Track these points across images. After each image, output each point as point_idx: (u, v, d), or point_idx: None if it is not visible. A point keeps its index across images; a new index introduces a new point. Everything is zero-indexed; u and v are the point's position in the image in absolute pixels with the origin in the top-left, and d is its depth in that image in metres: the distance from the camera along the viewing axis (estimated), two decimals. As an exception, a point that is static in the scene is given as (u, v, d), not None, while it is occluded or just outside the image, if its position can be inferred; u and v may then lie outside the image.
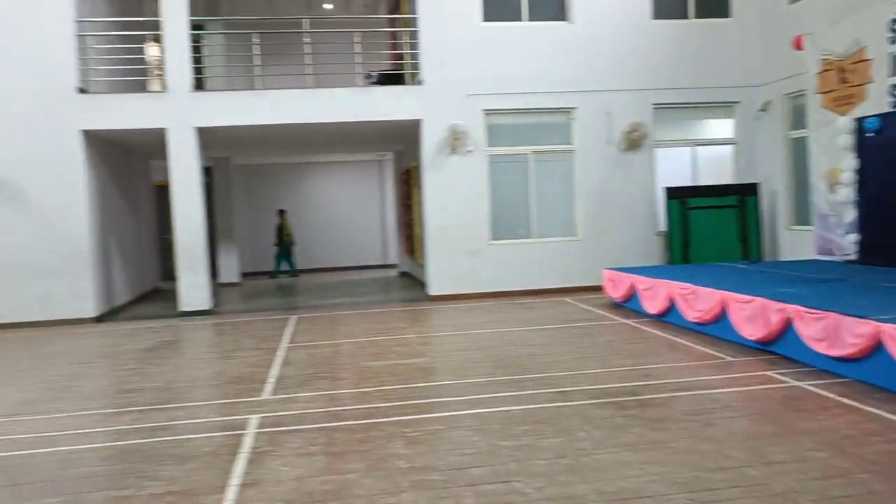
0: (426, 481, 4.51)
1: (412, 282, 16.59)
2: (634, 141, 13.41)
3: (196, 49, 13.08)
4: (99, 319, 12.35)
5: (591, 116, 13.39)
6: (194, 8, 13.15)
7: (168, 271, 16.55)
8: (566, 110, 13.46)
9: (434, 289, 13.19)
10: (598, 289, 12.68)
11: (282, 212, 19.45)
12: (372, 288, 16.18)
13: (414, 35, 13.22)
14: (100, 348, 10.06)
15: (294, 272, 19.42)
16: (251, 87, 13.28)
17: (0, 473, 5.14)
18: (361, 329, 10.58)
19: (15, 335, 11.31)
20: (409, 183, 16.83)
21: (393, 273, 19.12)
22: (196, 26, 13.49)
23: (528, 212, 13.50)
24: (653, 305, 10.09)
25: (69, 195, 12.06)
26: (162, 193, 15.43)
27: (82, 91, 12.11)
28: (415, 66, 13.36)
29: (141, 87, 13.25)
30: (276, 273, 19.24)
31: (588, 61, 13.33)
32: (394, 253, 20.02)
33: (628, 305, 11.06)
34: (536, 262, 13.32)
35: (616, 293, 11.43)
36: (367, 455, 5.04)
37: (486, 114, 13.18)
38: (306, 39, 13.02)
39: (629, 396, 6.24)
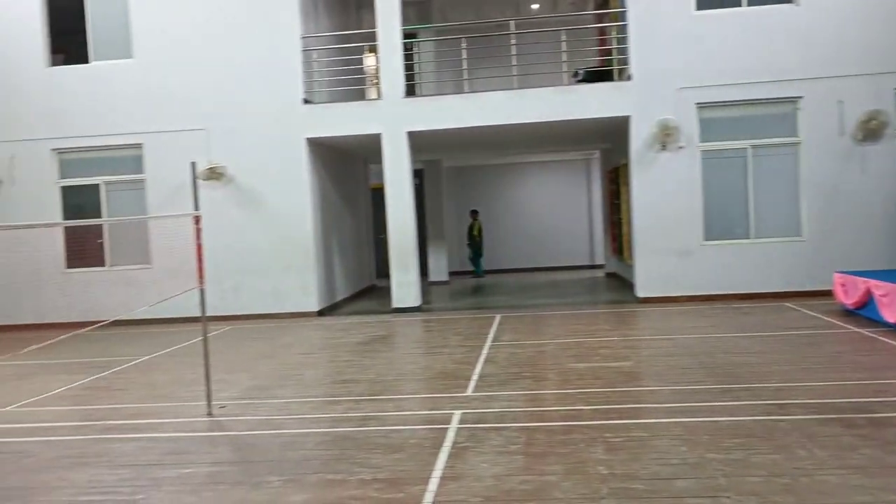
0: (627, 489, 4.36)
1: (619, 283, 16.19)
2: (873, 130, 12.11)
3: (408, 57, 13.67)
4: (321, 313, 13.30)
5: (819, 105, 12.28)
6: (407, 17, 13.76)
7: (383, 269, 17.47)
8: (791, 100, 12.45)
9: (642, 290, 12.77)
10: (825, 294, 11.61)
11: (474, 212, 19.75)
12: (578, 289, 16.00)
13: (622, 29, 12.88)
14: (321, 340, 10.82)
15: (480, 273, 19.75)
16: (459, 91, 13.65)
17: (233, 451, 5.67)
18: (565, 330, 10.48)
19: (250, 326, 12.47)
20: (616, 181, 16.44)
21: (600, 274, 18.78)
22: (409, 35, 14.10)
23: (747, 210, 12.65)
24: (893, 313, 9.05)
25: (296, 198, 13.10)
26: (378, 195, 16.29)
27: (307, 102, 13.10)
28: (623, 62, 13.02)
29: (360, 96, 14.08)
30: (480, 271, 19.63)
31: (816, 45, 12.24)
32: (601, 253, 19.65)
33: (862, 313, 10.01)
34: (754, 264, 12.45)
35: (848, 299, 10.39)
36: (566, 458, 4.97)
37: (700, 107, 12.54)
38: (513, 41, 13.15)
39: (859, 413, 5.64)
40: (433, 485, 4.61)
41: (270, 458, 5.38)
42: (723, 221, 12.68)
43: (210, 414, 6.66)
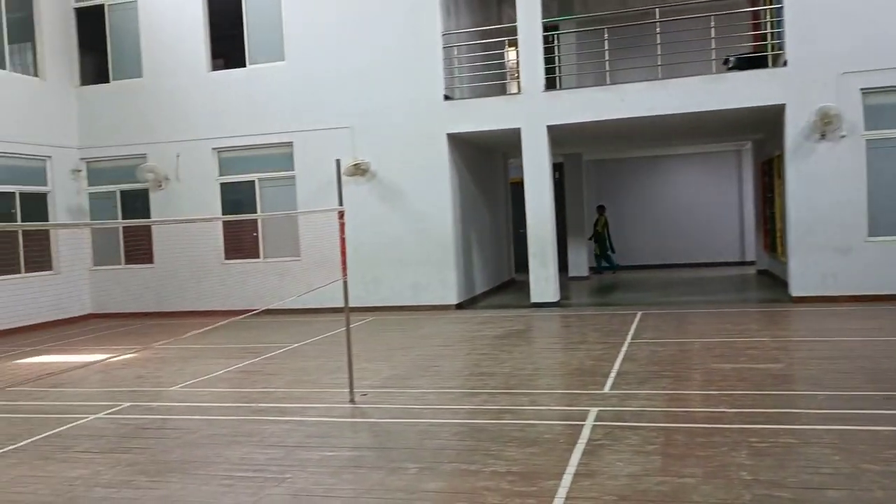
0: (772, 497, 4.13)
1: (772, 281, 15.34)
2: None
3: (549, 50, 13.56)
4: (459, 306, 13.48)
5: None
6: (548, 10, 13.64)
7: (522, 264, 17.44)
8: (971, 82, 11.32)
9: (797, 289, 12.03)
10: None
11: (601, 207, 19.26)
12: (725, 286, 15.31)
13: (777, 12, 12.17)
14: (459, 333, 10.97)
15: (601, 269, 19.26)
16: (601, 83, 13.38)
17: (373, 437, 5.88)
18: (711, 329, 10.06)
19: (391, 317, 12.83)
20: (770, 173, 15.57)
21: (750, 271, 17.88)
22: (550, 27, 13.99)
23: (917, 203, 11.62)
24: None
25: (437, 193, 13.34)
26: (517, 190, 16.30)
27: (447, 98, 13.29)
28: (778, 47, 12.30)
29: (500, 91, 14.12)
30: (613, 267, 19.22)
31: None
32: (752, 249, 18.69)
33: None
34: (927, 262, 11.43)
35: None
36: (707, 461, 4.78)
37: (865, 93, 11.63)
38: (657, 29, 12.73)
39: None
40: (567, 480, 4.57)
41: (408, 445, 5.53)
42: (891, 216, 11.72)
43: (352, 401, 6.92)
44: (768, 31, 12.55)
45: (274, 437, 5.92)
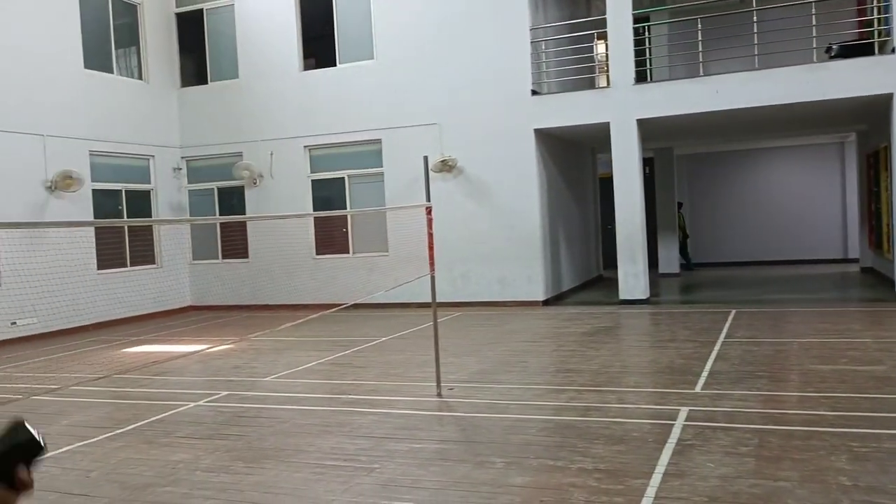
0: (872, 503, 3.97)
1: (877, 279, 14.60)
2: None
3: (639, 42, 13.30)
4: (546, 303, 13.41)
5: None
6: (639, 1, 13.37)
7: (610, 260, 17.19)
8: None
9: (903, 288, 11.43)
10: None
11: (678, 204, 18.67)
12: (826, 284, 14.68)
13: (884, -3, 11.57)
14: (545, 329, 10.92)
15: (691, 266, 18.74)
16: (693, 75, 13.03)
17: (459, 430, 5.94)
18: (809, 328, 9.68)
19: (477, 313, 12.89)
20: (876, 166, 14.81)
21: (853, 268, 17.06)
22: (640, 19, 13.72)
23: None
24: None
25: (524, 189, 13.30)
26: (606, 185, 16.07)
27: (535, 93, 13.23)
28: (885, 33, 11.68)
29: (589, 85, 13.96)
30: (691, 265, 18.73)
31: None
32: (855, 246, 17.83)
33: None
34: None
35: None
36: (803, 464, 4.62)
37: (981, 80, 10.93)
38: (754, 18, 12.30)
39: None
40: (655, 480, 4.50)
41: (494, 439, 5.56)
42: None
43: (439, 394, 7.00)
44: (875, 16, 11.93)
45: (363, 427, 6.06)
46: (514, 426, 5.90)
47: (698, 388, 6.75)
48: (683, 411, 5.99)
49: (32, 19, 12.63)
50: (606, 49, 12.98)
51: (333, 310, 7.78)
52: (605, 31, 12.89)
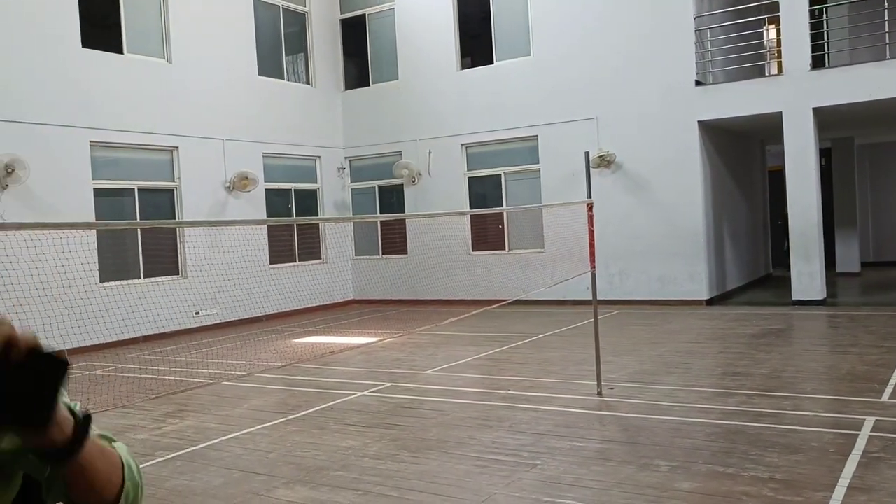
0: None
1: None
2: None
3: (815, 25, 12.44)
4: (710, 302, 12.85)
5: None
6: (814, -18, 12.50)
7: (781, 258, 16.21)
8: None
9: None
10: None
11: None
12: None
13: None
14: (710, 330, 10.46)
15: None
16: (879, 59, 12.02)
17: (621, 431, 5.82)
18: None
19: (636, 311, 12.56)
20: None
21: None
22: (816, 0, 12.82)
23: None
24: None
25: (686, 183, 12.81)
26: (776, 178, 15.17)
27: (699, 83, 12.69)
28: None
29: (757, 73, 13.23)
30: None
31: None
32: None
33: None
34: None
35: None
36: None
37: None
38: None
39: None
40: (839, 493, 4.20)
41: (658, 442, 5.40)
42: None
43: (599, 393, 6.89)
44: None
45: (523, 423, 6.08)
46: (678, 429, 5.71)
47: (885, 398, 6.23)
48: (869, 421, 5.55)
49: (213, 33, 13.63)
50: (778, 34, 12.23)
51: (494, 306, 7.85)
52: (777, 16, 12.15)
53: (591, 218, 7.10)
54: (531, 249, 14.45)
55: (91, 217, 11.36)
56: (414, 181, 15.57)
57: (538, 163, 14.31)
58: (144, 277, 12.24)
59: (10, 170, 10.09)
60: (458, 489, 4.69)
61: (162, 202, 12.79)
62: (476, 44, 15.26)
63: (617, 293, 13.36)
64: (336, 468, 5.19)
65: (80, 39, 11.47)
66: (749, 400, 6.43)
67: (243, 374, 8.24)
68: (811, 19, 12.03)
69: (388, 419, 6.50)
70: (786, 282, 12.61)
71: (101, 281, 11.42)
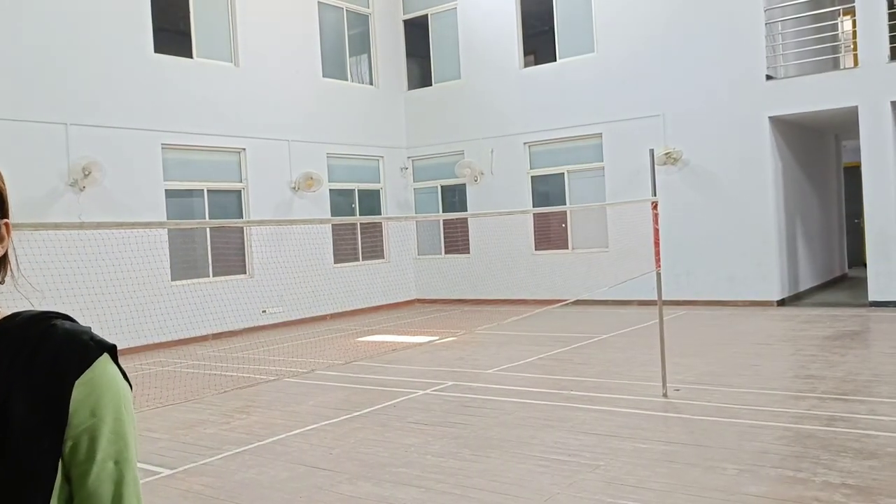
0: None
1: None
2: None
3: (893, 16, 11.94)
4: (781, 303, 12.48)
5: None
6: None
7: (856, 258, 15.66)
8: None
9: None
10: None
11: None
12: None
13: None
14: (781, 331, 10.16)
15: None
16: (962, 48, 11.48)
17: (687, 433, 5.70)
18: None
19: (703, 311, 12.29)
20: None
21: None
22: (894, -10, 12.32)
23: None
24: None
25: (756, 180, 12.47)
26: (852, 175, 14.64)
27: (769, 78, 12.33)
28: None
29: (832, 66, 12.78)
30: None
31: None
32: None
33: None
34: None
35: None
36: None
37: None
38: None
39: None
40: (919, 502, 4.04)
41: (725, 445, 5.27)
42: None
43: (664, 395, 6.77)
44: None
45: (586, 424, 6.01)
46: (747, 432, 5.56)
47: (970, 403, 5.95)
48: (952, 428, 5.31)
49: (278, 37, 13.90)
50: (854, 25, 11.80)
51: (555, 305, 7.79)
52: (853, 6, 11.72)
53: (655, 216, 6.98)
54: (595, 248, 14.28)
55: (163, 217, 11.73)
56: (476, 180, 15.57)
57: (602, 161, 14.14)
58: (213, 276, 12.57)
59: (87, 172, 10.50)
60: (519, 488, 4.67)
61: (230, 202, 13.11)
62: (539, 41, 15.18)
63: (684, 293, 13.09)
64: (398, 465, 5.23)
65: (152, 45, 11.86)
66: (822, 403, 6.23)
67: (307, 371, 8.38)
68: (889, 9, 11.56)
69: (450, 417, 6.52)
70: (862, 282, 12.16)
71: (173, 280, 11.78)
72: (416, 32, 16.62)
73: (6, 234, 1.09)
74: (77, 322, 1.08)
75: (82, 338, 1.04)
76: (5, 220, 1.09)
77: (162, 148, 11.91)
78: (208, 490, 4.93)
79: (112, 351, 1.06)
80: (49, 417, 0.99)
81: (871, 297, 11.69)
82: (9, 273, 1.12)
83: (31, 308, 1.10)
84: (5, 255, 1.10)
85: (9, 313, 1.06)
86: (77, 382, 1.01)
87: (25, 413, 0.98)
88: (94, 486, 1.02)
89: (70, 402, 1.00)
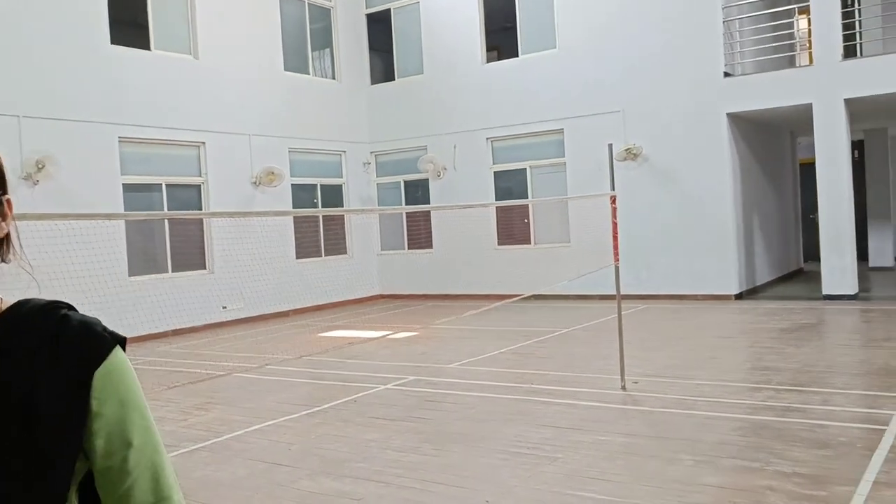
0: None
1: None
2: None
3: (847, 14, 12.21)
4: (739, 296, 12.69)
5: None
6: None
7: (812, 252, 15.99)
8: None
9: None
10: None
11: None
12: None
13: None
14: (738, 324, 10.34)
15: None
16: (912, 47, 11.77)
17: (646, 425, 5.77)
18: None
19: (663, 306, 12.45)
20: None
21: None
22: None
23: None
24: None
25: (714, 176, 12.65)
26: (808, 171, 14.93)
27: (727, 75, 12.52)
28: None
29: (788, 64, 13.02)
30: None
31: None
32: None
33: None
34: None
35: None
36: None
37: None
38: None
39: None
40: (863, 488, 4.13)
41: (684, 436, 5.34)
42: None
43: (624, 388, 6.84)
44: None
45: (546, 417, 6.05)
46: (704, 424, 5.64)
47: (918, 393, 6.11)
48: (900, 417, 5.45)
49: (239, 29, 13.71)
50: (809, 24, 12.02)
51: (514, 299, 7.83)
52: (808, 5, 11.94)
53: (614, 211, 7.04)
54: (557, 244, 14.37)
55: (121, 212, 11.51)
56: (439, 176, 15.56)
57: (564, 156, 14.23)
58: (172, 272, 12.38)
59: (40, 166, 10.26)
60: (479, 482, 4.68)
61: (189, 197, 12.91)
62: (501, 37, 15.20)
63: (645, 288, 13.24)
64: (359, 460, 5.21)
65: (108, 36, 11.62)
66: (777, 395, 6.35)
67: (266, 366, 8.30)
68: (843, 8, 11.81)
69: (412, 412, 6.51)
70: (817, 276, 12.43)
71: (130, 275, 11.57)
72: (379, 27, 16.54)
73: (8, 211, 1.08)
74: (80, 312, 1.08)
75: (97, 329, 1.06)
76: (7, 196, 1.08)
77: (119, 141, 11.69)
78: (165, 488, 4.85)
79: (123, 343, 1.08)
80: (74, 408, 1.01)
81: (825, 290, 11.95)
82: (11, 252, 1.11)
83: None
84: (7, 235, 1.09)
85: (12, 302, 1.06)
86: (97, 374, 1.03)
87: (52, 404, 0.99)
88: (135, 475, 1.04)
89: (91, 392, 1.02)
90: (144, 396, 1.10)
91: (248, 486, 4.82)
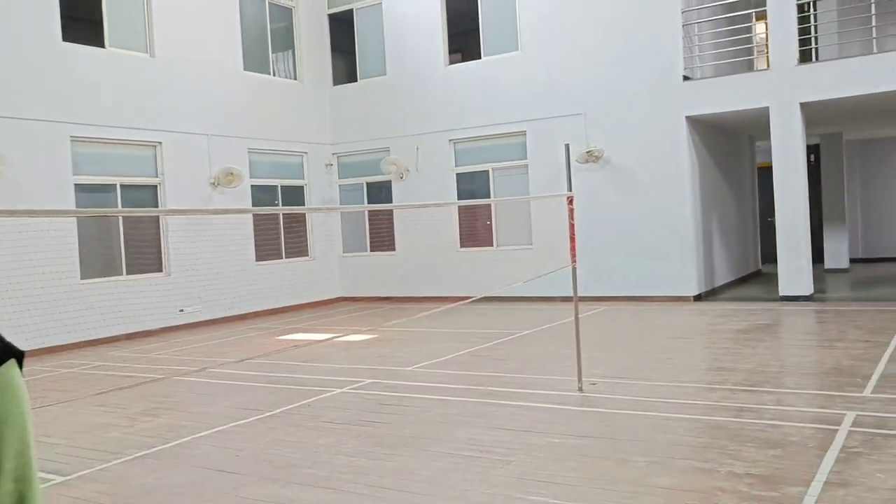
0: None
1: None
2: None
3: (803, 20, 12.37)
4: (698, 298, 12.78)
5: None
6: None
7: (770, 254, 16.16)
8: None
9: None
10: None
11: None
12: None
13: None
14: (696, 325, 10.39)
15: None
16: (867, 52, 11.95)
17: (601, 427, 5.73)
18: None
19: (624, 307, 12.48)
20: None
21: None
22: (804, -5, 12.75)
23: None
24: None
25: (674, 179, 12.73)
26: (765, 175, 15.11)
27: (686, 78, 12.61)
28: None
29: (746, 68, 13.15)
30: None
31: None
32: None
33: None
34: None
35: None
36: None
37: None
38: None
39: None
40: (815, 488, 4.12)
41: (638, 437, 5.31)
42: None
43: (580, 389, 6.80)
44: None
45: (501, 420, 5.98)
46: (659, 425, 5.62)
47: (868, 392, 6.16)
48: (850, 416, 5.48)
49: (197, 28, 13.48)
50: (766, 29, 12.16)
51: (471, 299, 7.76)
52: (765, 11, 12.08)
53: (571, 212, 7.01)
54: (519, 245, 14.35)
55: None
56: (402, 177, 15.46)
57: (526, 158, 14.22)
58: (127, 274, 12.10)
59: (-13, 165, 9.95)
60: (430, 486, 4.59)
61: (145, 198, 12.65)
62: (464, 39, 15.16)
63: (605, 289, 13.27)
64: (308, 466, 5.09)
65: (60, 33, 11.33)
66: (732, 395, 6.35)
67: (217, 369, 8.13)
68: (799, 13, 11.96)
69: (366, 416, 6.40)
70: (774, 278, 12.56)
71: (83, 278, 11.29)
72: (341, 27, 16.39)
73: None
74: None
75: None
76: None
77: (71, 140, 11.40)
78: (102, 497, 4.69)
79: (20, 357, 0.97)
80: None
81: (782, 291, 12.08)
82: None
83: None
84: None
85: None
86: None
87: None
88: None
89: None
90: (32, 419, 0.99)
91: (191, 493, 4.68)
